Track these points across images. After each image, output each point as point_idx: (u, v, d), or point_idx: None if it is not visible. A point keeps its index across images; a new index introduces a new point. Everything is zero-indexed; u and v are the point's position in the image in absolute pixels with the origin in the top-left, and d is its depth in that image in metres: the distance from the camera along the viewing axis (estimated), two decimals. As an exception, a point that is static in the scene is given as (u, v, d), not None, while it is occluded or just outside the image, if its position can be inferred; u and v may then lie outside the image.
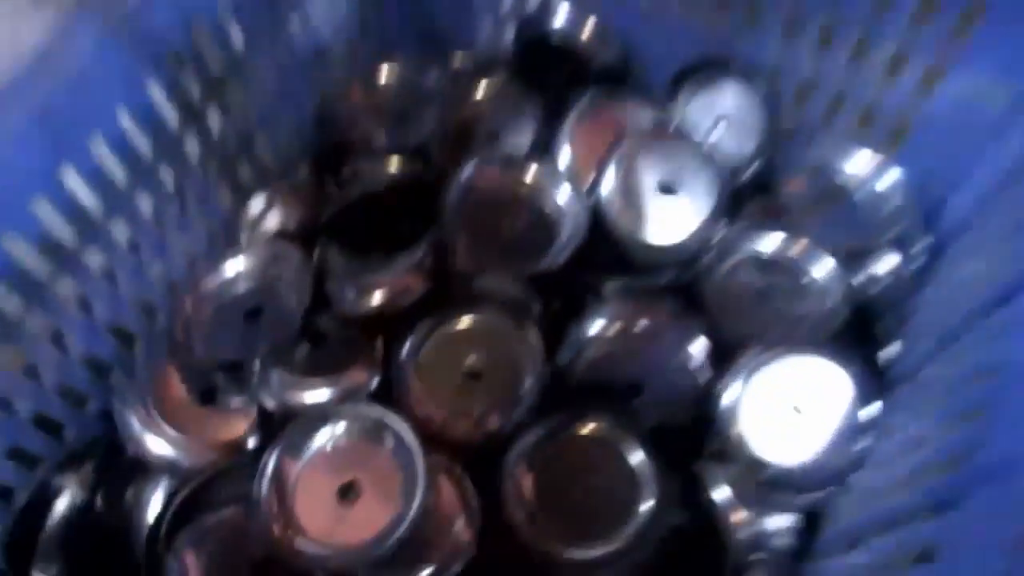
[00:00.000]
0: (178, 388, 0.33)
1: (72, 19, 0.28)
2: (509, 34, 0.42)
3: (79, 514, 0.32)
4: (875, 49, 0.34)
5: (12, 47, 0.29)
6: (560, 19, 0.40)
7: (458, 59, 0.42)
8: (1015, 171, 0.30)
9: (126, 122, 0.30)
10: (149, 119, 0.31)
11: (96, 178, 0.30)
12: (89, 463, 0.33)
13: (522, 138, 0.38)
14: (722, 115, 0.37)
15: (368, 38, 0.42)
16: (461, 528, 0.29)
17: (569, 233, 0.33)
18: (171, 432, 0.32)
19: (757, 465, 0.30)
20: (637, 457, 0.30)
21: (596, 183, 0.34)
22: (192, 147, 0.34)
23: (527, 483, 0.29)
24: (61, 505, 0.32)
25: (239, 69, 0.35)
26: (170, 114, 0.32)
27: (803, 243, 0.34)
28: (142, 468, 0.33)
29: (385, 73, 0.40)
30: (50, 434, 0.32)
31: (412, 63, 0.40)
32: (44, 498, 0.32)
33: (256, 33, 0.35)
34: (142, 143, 0.31)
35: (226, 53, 0.34)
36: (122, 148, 0.30)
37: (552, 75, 0.39)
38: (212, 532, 0.30)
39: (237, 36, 0.34)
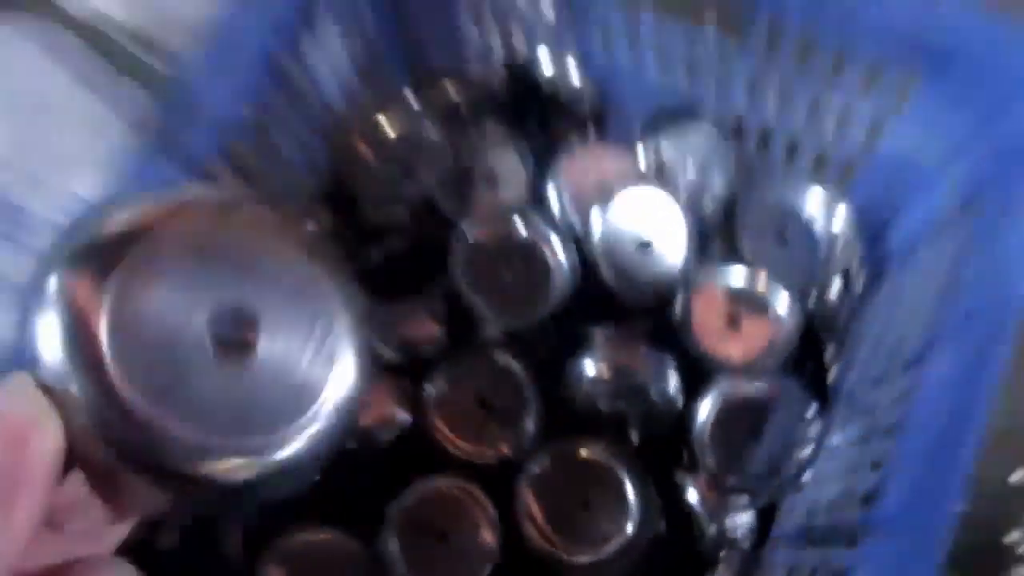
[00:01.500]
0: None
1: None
2: (498, 78, 0.46)
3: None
4: (828, 105, 0.39)
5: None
6: (547, 68, 0.44)
7: (452, 94, 0.47)
8: (939, 227, 0.35)
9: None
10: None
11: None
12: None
13: (515, 184, 0.43)
14: (692, 157, 0.42)
15: (367, 87, 0.46)
16: (486, 538, 0.36)
17: (561, 282, 0.39)
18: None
19: (722, 474, 0.37)
20: (627, 475, 0.36)
21: (584, 233, 0.40)
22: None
23: (535, 500, 0.36)
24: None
25: (261, 148, 0.40)
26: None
27: (763, 276, 0.40)
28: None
29: (387, 123, 0.45)
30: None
31: (411, 112, 0.45)
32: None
33: (276, 117, 0.40)
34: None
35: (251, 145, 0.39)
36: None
37: (540, 122, 0.44)
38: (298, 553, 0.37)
39: (263, 130, 0.39)
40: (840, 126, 0.39)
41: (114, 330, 0.20)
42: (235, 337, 0.21)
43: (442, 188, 0.43)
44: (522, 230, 0.40)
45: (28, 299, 0.21)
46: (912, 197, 0.38)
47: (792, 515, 0.36)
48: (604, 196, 0.40)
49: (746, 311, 0.39)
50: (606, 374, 0.38)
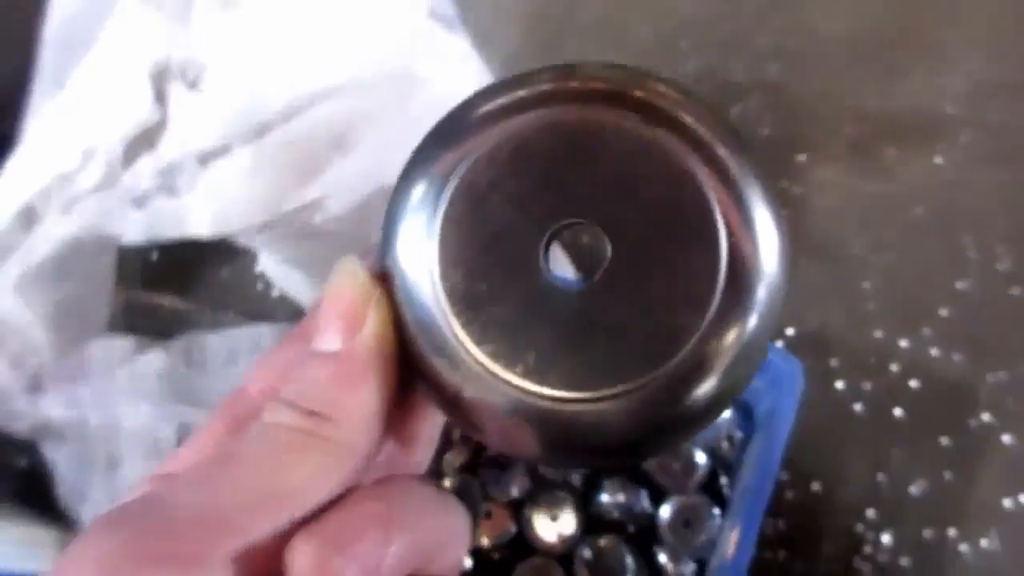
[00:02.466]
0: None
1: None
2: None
3: None
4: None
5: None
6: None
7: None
8: (764, 416, 0.74)
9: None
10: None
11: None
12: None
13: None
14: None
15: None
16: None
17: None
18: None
19: (677, 548, 0.74)
20: (628, 553, 0.73)
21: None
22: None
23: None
24: None
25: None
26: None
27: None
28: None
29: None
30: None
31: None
32: None
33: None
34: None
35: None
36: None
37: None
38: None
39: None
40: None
41: (450, 210, 0.21)
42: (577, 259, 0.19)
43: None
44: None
45: (402, 175, 0.22)
46: (758, 400, 0.76)
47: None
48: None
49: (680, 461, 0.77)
50: (618, 499, 0.75)
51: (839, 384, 0.86)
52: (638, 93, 0.22)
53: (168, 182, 0.55)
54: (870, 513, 0.82)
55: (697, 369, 0.22)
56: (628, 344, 0.21)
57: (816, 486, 0.83)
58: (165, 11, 0.57)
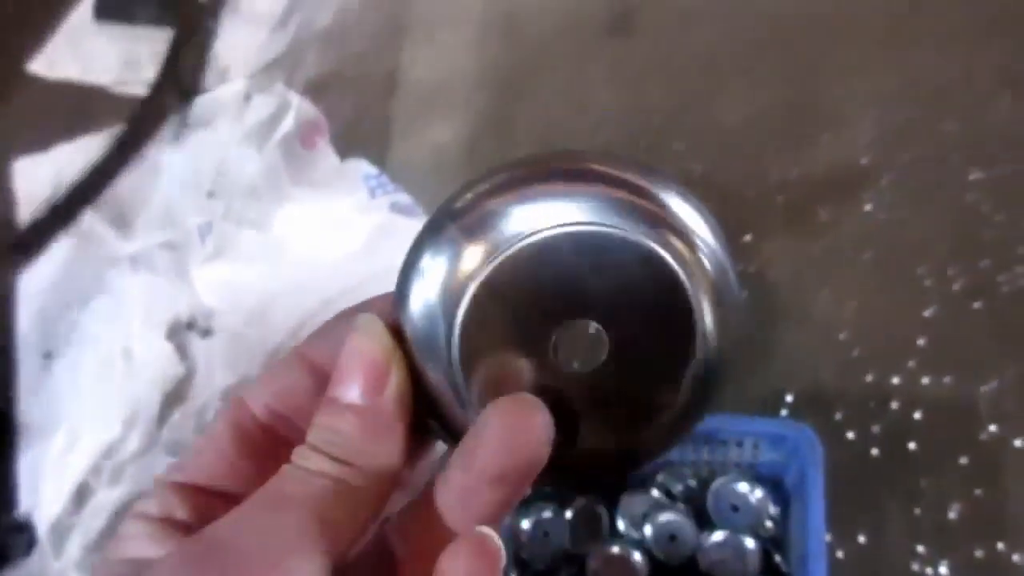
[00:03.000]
0: None
1: None
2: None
3: None
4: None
5: None
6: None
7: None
8: (795, 484, 0.77)
9: None
10: None
11: None
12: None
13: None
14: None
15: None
16: None
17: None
18: None
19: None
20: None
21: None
22: None
23: None
24: None
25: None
26: None
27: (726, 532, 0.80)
28: None
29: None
30: None
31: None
32: None
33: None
34: None
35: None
36: None
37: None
38: None
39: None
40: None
41: (476, 304, 0.23)
42: (579, 350, 0.24)
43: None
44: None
45: (419, 242, 0.24)
46: (783, 471, 0.80)
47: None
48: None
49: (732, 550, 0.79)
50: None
51: (850, 435, 0.90)
52: (645, 204, 0.25)
53: (200, 424, 0.59)
54: (920, 549, 0.84)
55: (672, 435, 0.27)
56: (614, 414, 0.25)
57: (862, 538, 0.86)
58: (161, 273, 0.62)
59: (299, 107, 0.89)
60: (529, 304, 0.24)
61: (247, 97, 1.09)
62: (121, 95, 1.16)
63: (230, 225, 0.74)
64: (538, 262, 0.24)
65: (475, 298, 0.24)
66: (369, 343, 0.23)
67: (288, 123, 0.85)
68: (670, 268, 0.25)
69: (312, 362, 0.26)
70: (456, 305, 0.24)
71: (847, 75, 1.11)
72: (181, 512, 0.24)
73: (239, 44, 1.18)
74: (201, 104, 1.13)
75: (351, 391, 0.23)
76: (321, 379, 0.25)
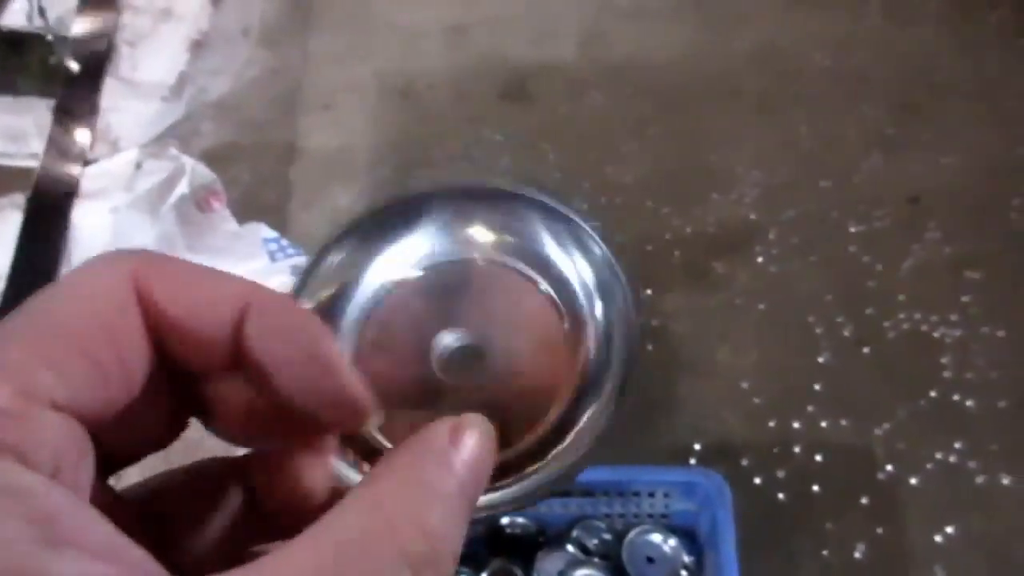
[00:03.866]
0: None
1: None
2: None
3: None
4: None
5: None
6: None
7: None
8: (708, 534, 0.78)
9: None
10: None
11: None
12: None
13: None
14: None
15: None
16: None
17: None
18: None
19: None
20: None
21: None
22: None
23: None
24: None
25: None
26: None
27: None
28: None
29: None
30: None
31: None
32: None
33: None
34: None
35: None
36: None
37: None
38: None
39: None
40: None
41: (363, 319, 0.25)
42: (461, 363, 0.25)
43: None
44: None
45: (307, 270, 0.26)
46: (695, 521, 0.80)
47: None
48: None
49: None
50: None
51: (757, 480, 0.92)
52: (512, 238, 0.27)
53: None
54: (831, 590, 0.86)
55: (552, 442, 0.27)
56: (502, 421, 0.25)
57: (774, 583, 0.87)
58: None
59: (194, 170, 0.87)
60: (414, 322, 0.25)
61: (138, 166, 1.06)
62: (8, 167, 1.12)
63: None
64: (421, 285, 0.25)
65: (363, 319, 0.25)
66: None
67: (183, 187, 0.83)
68: (544, 290, 0.26)
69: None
70: (345, 321, 0.25)
71: (729, 139, 1.17)
72: None
73: (130, 114, 1.15)
74: (91, 175, 1.09)
75: None
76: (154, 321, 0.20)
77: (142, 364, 0.20)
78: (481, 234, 0.27)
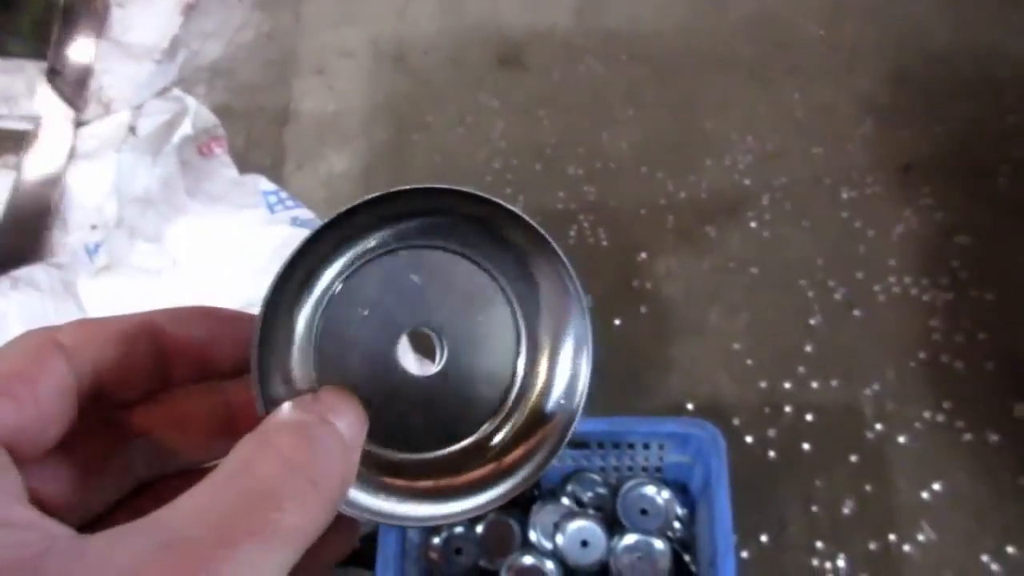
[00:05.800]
0: None
1: None
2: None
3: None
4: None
5: None
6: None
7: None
8: (702, 486, 0.79)
9: None
10: None
11: None
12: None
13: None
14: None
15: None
16: None
17: None
18: None
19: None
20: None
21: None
22: None
23: None
24: None
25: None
26: None
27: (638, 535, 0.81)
28: None
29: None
30: None
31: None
32: None
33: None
34: None
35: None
36: None
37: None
38: None
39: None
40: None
41: (325, 316, 0.26)
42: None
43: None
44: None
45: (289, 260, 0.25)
46: (689, 475, 0.82)
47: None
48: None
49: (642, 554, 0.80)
50: None
51: (748, 439, 0.93)
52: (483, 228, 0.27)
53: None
54: (819, 544, 0.87)
55: (501, 431, 0.28)
56: (455, 414, 0.26)
57: (764, 538, 0.88)
58: (44, 290, 0.58)
59: (197, 111, 0.87)
60: (376, 312, 0.26)
61: (132, 129, 1.06)
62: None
63: (122, 237, 0.70)
64: (384, 276, 0.26)
65: (329, 307, 0.26)
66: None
67: (186, 127, 0.83)
68: (497, 287, 0.27)
69: (161, 333, 0.26)
70: (312, 314, 0.26)
71: (722, 106, 1.18)
72: None
73: (123, 76, 1.15)
74: (84, 136, 1.09)
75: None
76: (160, 353, 0.26)
77: (61, 401, 0.23)
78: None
